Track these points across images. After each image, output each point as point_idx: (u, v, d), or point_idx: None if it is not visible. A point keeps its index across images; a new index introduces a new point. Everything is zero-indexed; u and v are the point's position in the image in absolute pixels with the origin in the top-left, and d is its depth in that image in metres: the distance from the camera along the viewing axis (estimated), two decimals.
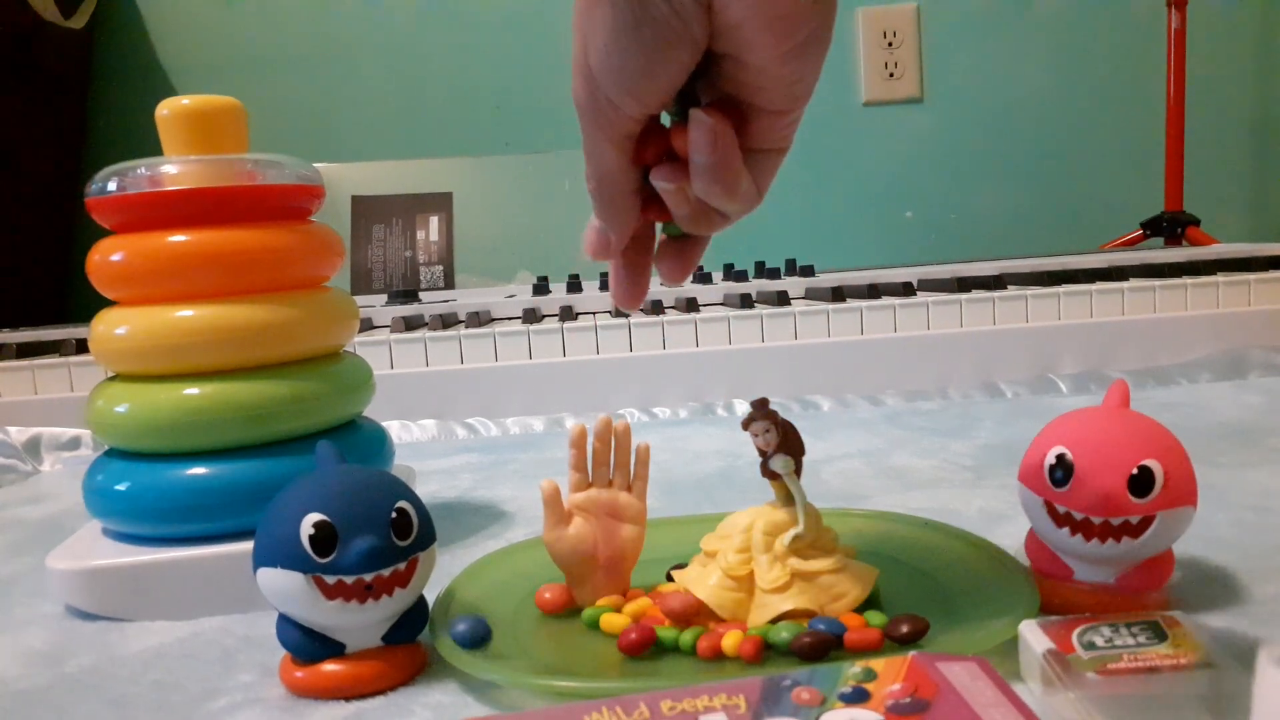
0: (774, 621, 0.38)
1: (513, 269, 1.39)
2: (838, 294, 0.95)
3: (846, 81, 1.66)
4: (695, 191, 0.34)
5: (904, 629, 0.36)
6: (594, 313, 1.00)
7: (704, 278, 1.13)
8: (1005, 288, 0.95)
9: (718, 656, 0.36)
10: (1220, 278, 0.95)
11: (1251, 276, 0.95)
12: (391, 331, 0.92)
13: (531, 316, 0.93)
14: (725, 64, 0.32)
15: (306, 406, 0.49)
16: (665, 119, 0.35)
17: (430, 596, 0.40)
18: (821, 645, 0.35)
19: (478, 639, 0.37)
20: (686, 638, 0.37)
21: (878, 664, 0.29)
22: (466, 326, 0.93)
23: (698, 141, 0.33)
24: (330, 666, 0.37)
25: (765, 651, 0.36)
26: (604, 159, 0.34)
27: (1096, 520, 0.37)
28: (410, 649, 0.38)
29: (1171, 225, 1.53)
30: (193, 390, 0.47)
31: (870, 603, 0.39)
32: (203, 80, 1.63)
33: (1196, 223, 1.52)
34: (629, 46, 0.31)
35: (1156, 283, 0.94)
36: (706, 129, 0.33)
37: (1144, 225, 1.56)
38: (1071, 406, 0.41)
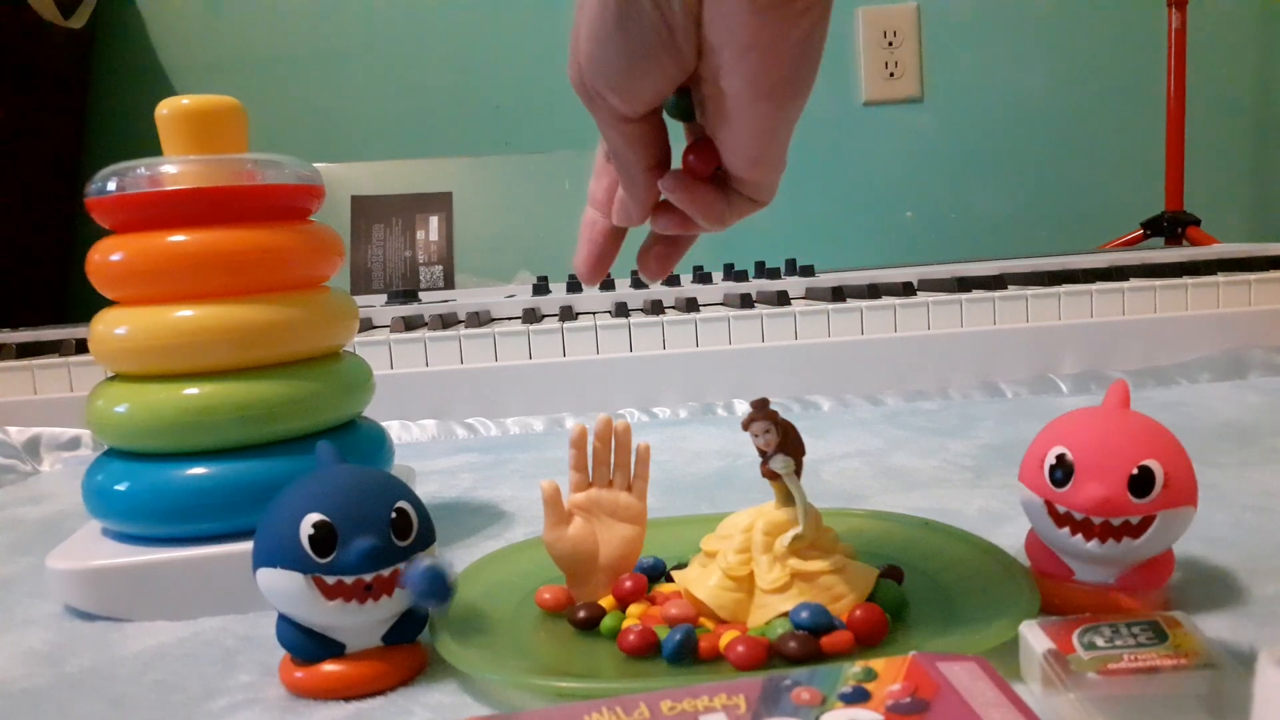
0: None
1: (513, 269, 1.39)
2: (838, 294, 0.95)
3: (846, 81, 1.66)
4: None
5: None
6: (594, 313, 1.00)
7: (704, 278, 1.13)
8: (1005, 288, 0.95)
9: (718, 657, 0.36)
10: (1220, 278, 0.95)
11: (1251, 276, 0.95)
12: (391, 331, 0.92)
13: (531, 316, 0.93)
14: (711, 93, 0.32)
15: (306, 406, 0.49)
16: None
17: None
18: (808, 645, 0.35)
19: (436, 582, 0.36)
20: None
21: (878, 664, 0.29)
22: (466, 326, 0.93)
23: (672, 192, 0.34)
24: (330, 666, 0.37)
25: (768, 655, 0.36)
26: (612, 141, 0.34)
27: (1096, 520, 0.37)
28: (410, 649, 0.38)
29: (1171, 225, 1.53)
30: (193, 390, 0.47)
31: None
32: (203, 80, 1.63)
33: (1197, 223, 1.52)
34: (610, 44, 0.31)
35: (1156, 283, 0.94)
36: (676, 186, 0.34)
37: (1144, 225, 1.56)
38: (1071, 406, 0.41)
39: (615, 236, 0.39)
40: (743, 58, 0.30)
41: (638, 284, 1.10)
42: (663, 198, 0.36)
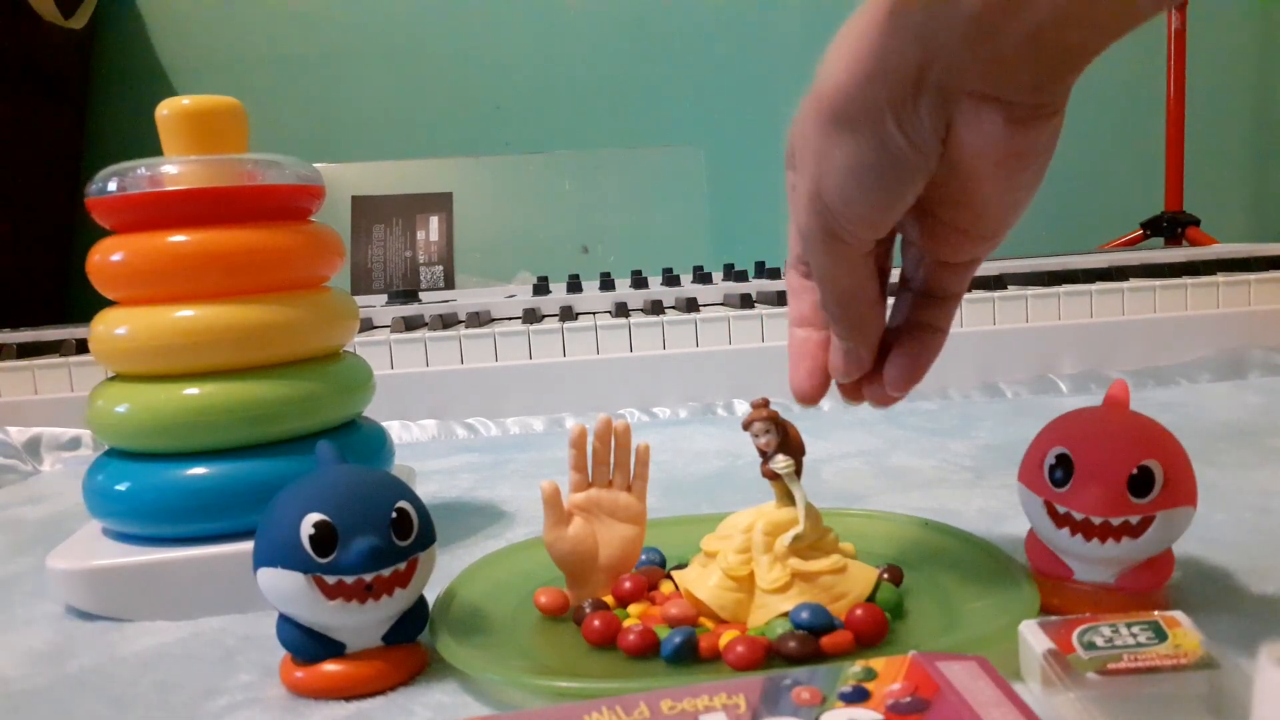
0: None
1: (513, 269, 1.39)
2: None
3: None
4: None
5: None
6: (594, 313, 1.00)
7: (704, 278, 1.13)
8: (1005, 288, 0.95)
9: (717, 656, 0.36)
10: (1220, 278, 0.95)
11: (1251, 276, 0.95)
12: (391, 331, 0.92)
13: (531, 316, 0.93)
14: (944, 194, 0.33)
15: (306, 406, 0.49)
16: None
17: (430, 596, 0.40)
18: (808, 645, 0.35)
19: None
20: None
21: (878, 663, 0.29)
22: (466, 326, 0.93)
23: (896, 380, 0.37)
24: (330, 666, 0.37)
25: (767, 654, 0.36)
26: (842, 281, 0.35)
27: (1096, 520, 0.37)
28: (410, 649, 0.38)
29: (1171, 225, 1.53)
30: (193, 390, 0.47)
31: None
32: (203, 80, 1.63)
33: (1196, 223, 1.52)
34: (868, 184, 0.31)
35: (1156, 283, 0.94)
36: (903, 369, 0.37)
37: (1144, 225, 1.56)
38: (1071, 406, 0.41)
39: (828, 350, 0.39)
40: (1000, 164, 0.31)
41: (638, 284, 1.10)
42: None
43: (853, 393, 0.39)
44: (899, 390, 0.38)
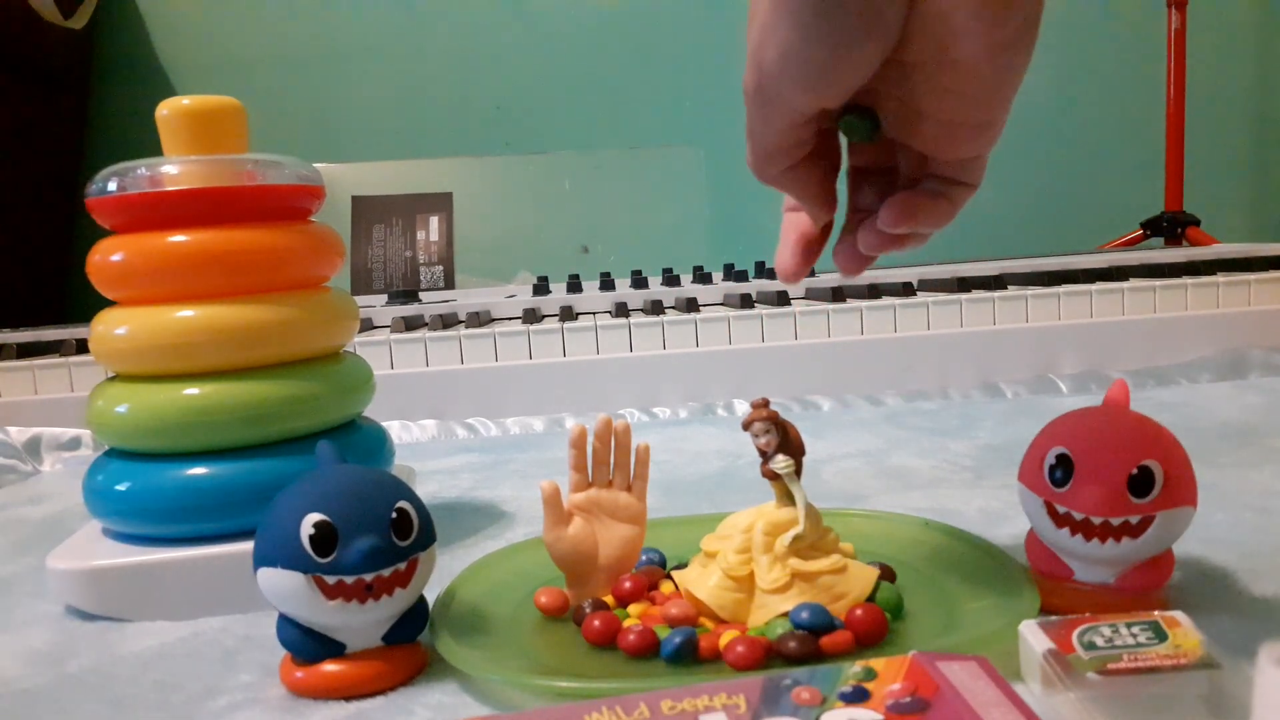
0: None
1: (513, 269, 1.39)
2: (838, 294, 0.95)
3: None
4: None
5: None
6: (594, 313, 1.00)
7: (704, 278, 1.13)
8: (1005, 288, 0.95)
9: (717, 656, 0.36)
10: (1220, 278, 0.95)
11: (1251, 276, 0.95)
12: (391, 331, 0.92)
13: (531, 316, 0.93)
14: (919, 70, 0.30)
15: (306, 406, 0.49)
16: None
17: (430, 596, 0.40)
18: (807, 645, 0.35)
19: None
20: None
21: (878, 663, 0.29)
22: (466, 326, 0.93)
23: (896, 225, 0.34)
24: (330, 666, 0.37)
25: (767, 655, 0.36)
26: (781, 145, 0.33)
27: (1096, 520, 0.37)
28: (410, 649, 0.38)
29: (1171, 225, 1.53)
30: (193, 390, 0.47)
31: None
32: (203, 80, 1.63)
33: (1196, 223, 1.52)
34: (811, 34, 0.28)
35: (1156, 283, 0.94)
36: (900, 216, 0.33)
37: (1144, 225, 1.56)
38: (1071, 406, 0.41)
39: (821, 236, 0.38)
40: (978, 15, 0.27)
41: (638, 284, 1.10)
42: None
43: (802, 270, 0.38)
44: (889, 225, 0.34)
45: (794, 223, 0.38)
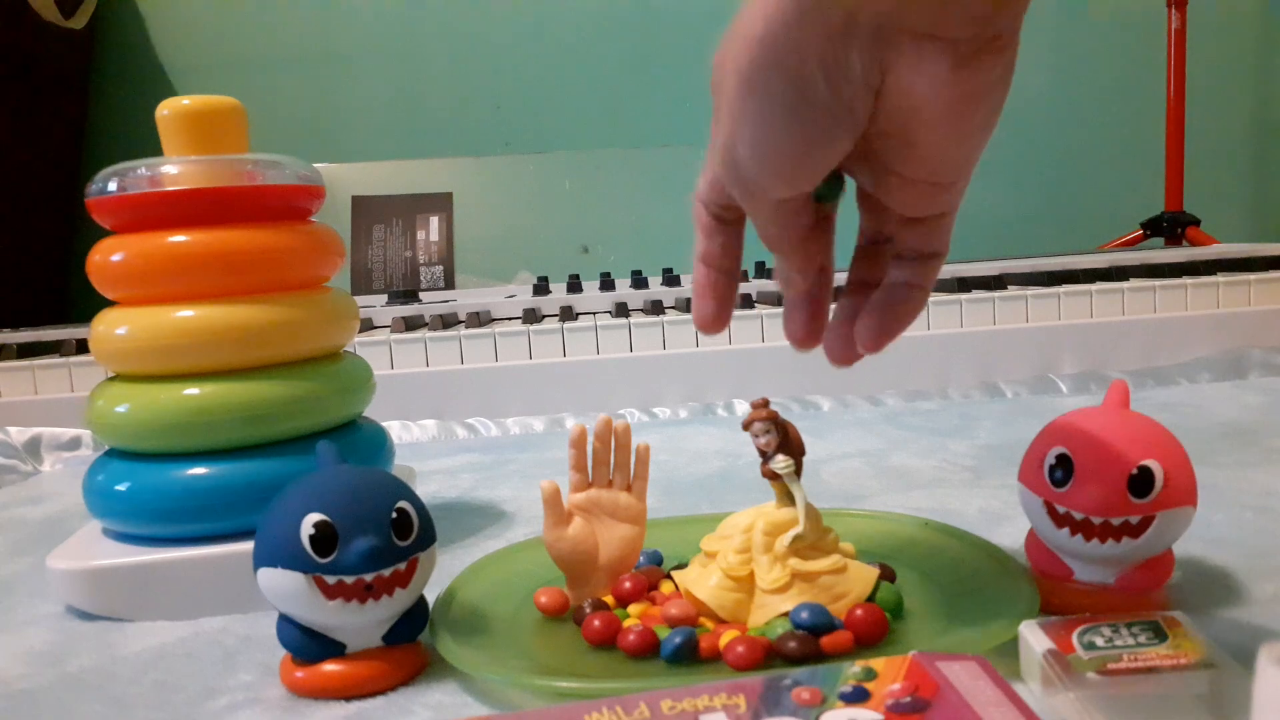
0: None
1: (513, 269, 1.39)
2: (838, 294, 0.95)
3: None
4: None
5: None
6: (594, 313, 1.00)
7: None
8: (1005, 288, 0.95)
9: (717, 656, 0.36)
10: (1220, 278, 0.95)
11: (1251, 276, 0.95)
12: (391, 331, 0.92)
13: (531, 316, 0.93)
14: (888, 144, 0.30)
15: (306, 406, 0.49)
16: None
17: (430, 596, 0.40)
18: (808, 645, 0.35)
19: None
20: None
21: (878, 663, 0.29)
22: (466, 326, 0.93)
23: (879, 336, 0.35)
24: (330, 666, 0.37)
25: (767, 655, 0.36)
26: (767, 225, 0.33)
27: (1096, 520, 0.37)
28: (410, 649, 0.38)
29: (1171, 225, 1.53)
30: (193, 390, 0.47)
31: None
32: (203, 80, 1.63)
33: (1196, 223, 1.52)
34: (783, 134, 0.29)
35: (1156, 283, 0.94)
36: (880, 330, 0.35)
37: (1144, 225, 1.56)
38: (1071, 406, 0.41)
39: (734, 289, 0.38)
40: (948, 110, 0.28)
41: (638, 284, 1.10)
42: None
43: (811, 338, 0.39)
44: (868, 348, 0.36)
45: (708, 284, 0.37)
